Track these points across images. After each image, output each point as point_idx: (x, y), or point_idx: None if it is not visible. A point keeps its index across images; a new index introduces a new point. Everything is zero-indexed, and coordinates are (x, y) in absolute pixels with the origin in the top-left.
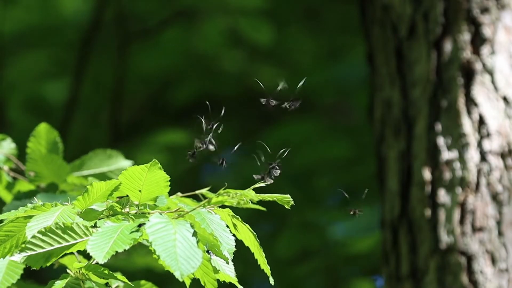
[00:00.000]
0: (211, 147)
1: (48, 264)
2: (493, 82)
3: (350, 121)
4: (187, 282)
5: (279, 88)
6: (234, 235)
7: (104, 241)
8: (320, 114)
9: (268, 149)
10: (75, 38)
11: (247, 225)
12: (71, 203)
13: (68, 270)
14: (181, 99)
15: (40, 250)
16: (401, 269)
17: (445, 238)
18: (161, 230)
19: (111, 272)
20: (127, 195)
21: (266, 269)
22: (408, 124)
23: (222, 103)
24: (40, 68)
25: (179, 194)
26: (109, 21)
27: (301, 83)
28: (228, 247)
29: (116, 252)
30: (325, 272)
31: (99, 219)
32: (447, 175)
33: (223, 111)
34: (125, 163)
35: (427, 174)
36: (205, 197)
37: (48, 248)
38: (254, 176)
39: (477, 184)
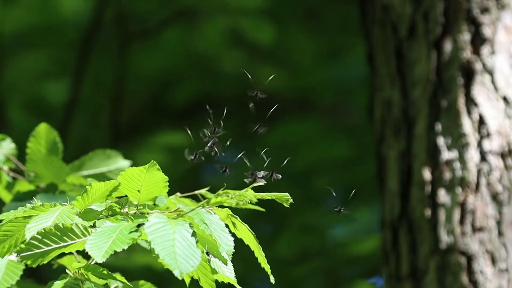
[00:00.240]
0: (215, 151)
1: (46, 261)
2: (493, 82)
3: (350, 121)
4: (187, 281)
5: (268, 81)
6: (233, 234)
7: (103, 241)
8: (320, 114)
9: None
10: (75, 38)
11: (246, 225)
12: (70, 203)
13: (67, 270)
14: (181, 99)
15: (38, 250)
16: (401, 269)
17: (445, 238)
18: (160, 230)
19: (110, 272)
20: (126, 195)
21: (266, 267)
22: (408, 124)
23: (222, 103)
24: (40, 68)
25: (178, 194)
26: (109, 21)
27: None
28: (227, 248)
29: (115, 251)
30: (325, 273)
31: (98, 219)
32: (447, 175)
33: (224, 114)
34: (124, 163)
35: (427, 174)
36: (204, 198)
37: (47, 248)
38: (245, 180)
39: (477, 184)
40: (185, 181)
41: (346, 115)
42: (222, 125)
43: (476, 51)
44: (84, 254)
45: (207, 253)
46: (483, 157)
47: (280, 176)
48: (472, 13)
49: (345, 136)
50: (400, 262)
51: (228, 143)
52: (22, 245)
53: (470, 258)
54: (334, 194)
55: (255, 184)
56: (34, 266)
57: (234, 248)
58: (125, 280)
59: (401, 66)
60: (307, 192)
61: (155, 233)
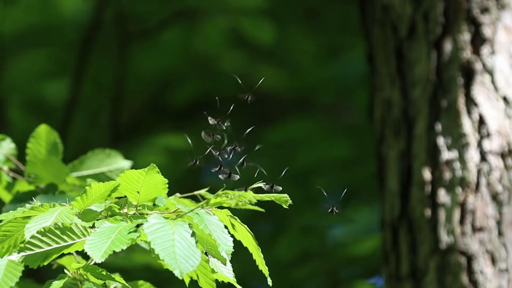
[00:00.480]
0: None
1: (46, 263)
2: (493, 82)
3: (350, 121)
4: (187, 280)
5: (259, 84)
6: (232, 235)
7: (102, 241)
8: (320, 114)
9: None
10: (75, 38)
11: (245, 226)
12: (69, 204)
13: (65, 271)
14: (181, 100)
15: (38, 250)
16: (401, 269)
17: (445, 238)
18: (160, 230)
19: (108, 273)
20: (126, 196)
21: (264, 269)
22: (408, 124)
23: (222, 103)
24: (40, 68)
25: (178, 194)
26: (109, 21)
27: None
28: (226, 247)
29: (114, 251)
30: (325, 274)
31: (97, 220)
32: (447, 175)
33: (229, 110)
34: (124, 163)
35: (427, 174)
36: (204, 198)
37: (46, 248)
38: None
39: (477, 184)
40: (185, 181)
41: (346, 115)
42: (225, 126)
43: (476, 51)
44: (84, 255)
45: (205, 253)
46: (483, 157)
47: (280, 188)
48: (472, 13)
49: (345, 136)
50: (400, 262)
51: (228, 143)
52: (22, 245)
53: (470, 258)
54: (325, 195)
55: (254, 186)
56: (35, 267)
57: (233, 249)
58: (123, 281)
59: (401, 66)
60: (307, 192)
61: (155, 233)
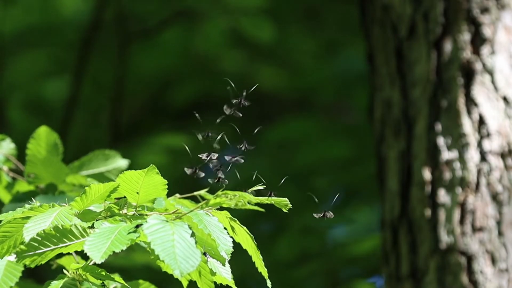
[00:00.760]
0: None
1: (44, 262)
2: (493, 82)
3: (350, 121)
4: (185, 284)
5: (240, 99)
6: (231, 237)
7: (102, 242)
8: (320, 113)
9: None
10: (75, 38)
11: (245, 228)
12: (69, 204)
13: (65, 271)
14: (181, 100)
15: (37, 251)
16: (401, 269)
17: (445, 238)
18: (160, 231)
19: (108, 273)
20: (125, 197)
21: (264, 271)
22: (408, 124)
23: (222, 103)
24: (40, 68)
25: (178, 195)
26: (109, 21)
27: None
28: (225, 247)
29: (114, 252)
30: (325, 274)
31: (96, 220)
32: (447, 175)
33: (218, 119)
34: (121, 162)
35: (427, 174)
36: (203, 199)
37: (45, 249)
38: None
39: (477, 184)
40: (185, 181)
41: (346, 115)
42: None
43: (476, 51)
44: (83, 255)
45: (204, 254)
46: (483, 157)
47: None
48: (472, 13)
49: (345, 136)
50: (400, 262)
51: (227, 143)
52: (22, 246)
53: (470, 258)
54: (316, 200)
55: (254, 188)
56: (33, 266)
57: (232, 250)
58: (123, 281)
59: (401, 66)
60: (307, 192)
61: (155, 234)
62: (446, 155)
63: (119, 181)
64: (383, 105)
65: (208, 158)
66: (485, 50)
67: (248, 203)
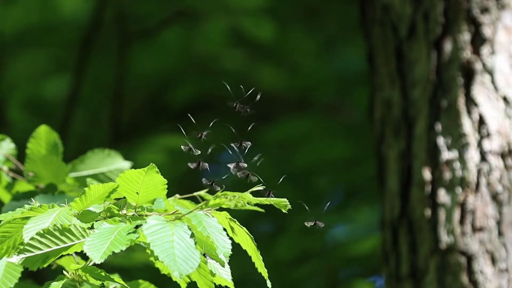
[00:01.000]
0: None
1: (45, 265)
2: (493, 82)
3: (350, 121)
4: (183, 285)
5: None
6: (231, 238)
7: (101, 242)
8: (320, 113)
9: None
10: (75, 38)
11: (244, 228)
12: (68, 204)
13: (64, 272)
14: (181, 99)
15: (37, 252)
16: (401, 269)
17: (445, 238)
18: (159, 232)
19: (107, 274)
20: (125, 197)
21: (263, 272)
22: (408, 124)
23: (222, 103)
24: (40, 68)
25: (178, 195)
26: (109, 21)
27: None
28: (224, 250)
29: (113, 252)
30: (325, 273)
31: (96, 221)
32: (447, 175)
33: (211, 123)
34: (123, 163)
35: (427, 174)
36: (203, 199)
37: (46, 249)
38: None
39: (477, 184)
40: (185, 181)
41: (346, 114)
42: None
43: (476, 51)
44: (83, 255)
45: (204, 255)
46: (483, 157)
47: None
48: (472, 13)
49: (345, 135)
50: (400, 262)
51: (227, 143)
52: (21, 246)
53: (470, 258)
54: (307, 208)
55: (254, 188)
56: (34, 269)
57: (232, 250)
58: (122, 282)
59: (401, 66)
60: (307, 192)
61: (154, 234)
62: (446, 155)
63: (118, 181)
64: (383, 105)
65: (198, 165)
66: (485, 50)
67: (248, 203)
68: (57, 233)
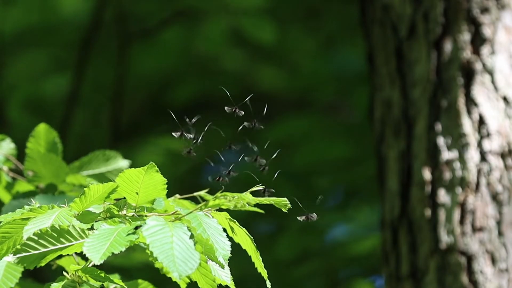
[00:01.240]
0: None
1: (43, 264)
2: (493, 82)
3: (350, 121)
4: (183, 286)
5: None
6: (231, 238)
7: (101, 243)
8: (320, 112)
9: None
10: (75, 38)
11: (244, 229)
12: (68, 205)
13: (64, 273)
14: (181, 100)
15: (35, 252)
16: (401, 269)
17: (445, 238)
18: (158, 233)
19: (107, 275)
20: (125, 198)
21: (263, 272)
22: (408, 124)
23: (221, 103)
24: (40, 68)
25: (177, 196)
26: (109, 21)
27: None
28: (223, 252)
29: (113, 253)
30: (325, 273)
31: (96, 221)
32: (447, 175)
33: (207, 127)
34: (123, 163)
35: (427, 174)
36: (203, 199)
37: (43, 250)
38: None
39: (477, 184)
40: (185, 181)
41: (346, 114)
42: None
43: (476, 51)
44: (83, 256)
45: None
46: (483, 157)
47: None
48: (472, 13)
49: (345, 135)
50: (400, 262)
51: (227, 143)
52: (18, 246)
53: (470, 258)
54: (301, 206)
55: (254, 188)
56: (31, 268)
57: (231, 248)
58: (122, 283)
59: (401, 66)
60: (307, 191)
61: (153, 235)
62: (446, 155)
63: (118, 181)
64: (383, 105)
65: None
66: (485, 50)
67: (248, 204)
68: (55, 234)
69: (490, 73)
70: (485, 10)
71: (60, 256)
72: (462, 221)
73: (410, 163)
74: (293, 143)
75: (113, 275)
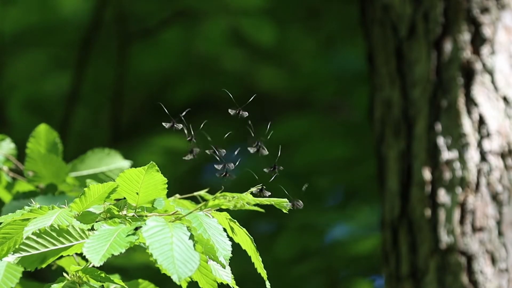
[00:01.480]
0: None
1: (44, 266)
2: (493, 82)
3: (349, 120)
4: (184, 285)
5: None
6: (231, 238)
7: (101, 244)
8: (320, 112)
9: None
10: (75, 38)
11: (244, 229)
12: (68, 205)
13: (64, 274)
14: (181, 99)
15: (34, 252)
16: (401, 269)
17: (445, 238)
18: (158, 234)
19: (107, 275)
20: (125, 198)
21: (263, 272)
22: (408, 124)
23: (222, 102)
24: (40, 68)
25: (178, 195)
26: (109, 21)
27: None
28: (224, 252)
29: (112, 255)
30: (325, 272)
31: (96, 222)
32: (447, 175)
33: (201, 127)
34: (124, 163)
35: (427, 174)
36: (203, 199)
37: (43, 250)
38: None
39: (477, 184)
40: (185, 181)
41: (346, 114)
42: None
43: (476, 51)
44: (84, 256)
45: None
46: (483, 157)
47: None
48: (472, 13)
49: (345, 135)
50: (400, 262)
51: (228, 143)
52: (17, 246)
53: (470, 258)
54: (299, 204)
55: (254, 188)
56: (32, 269)
57: (232, 248)
58: (122, 283)
59: (401, 66)
60: (307, 192)
61: (153, 237)
62: (446, 155)
63: (118, 181)
64: (383, 105)
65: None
66: (485, 50)
67: (248, 204)
68: (54, 234)
69: (490, 73)
70: (485, 10)
71: (61, 257)
72: (462, 221)
73: (410, 163)
74: (293, 143)
75: (113, 275)
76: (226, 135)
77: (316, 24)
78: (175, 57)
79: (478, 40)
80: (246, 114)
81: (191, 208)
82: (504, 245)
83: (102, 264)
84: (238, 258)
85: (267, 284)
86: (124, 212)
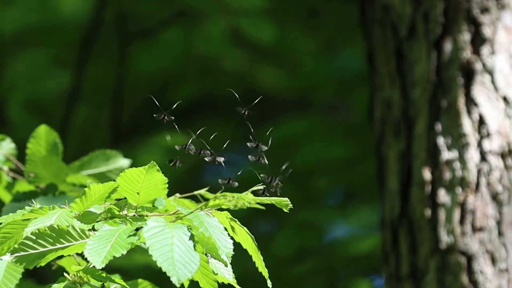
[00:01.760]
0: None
1: (43, 264)
2: (493, 82)
3: (349, 120)
4: (186, 284)
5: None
6: (232, 237)
7: (102, 246)
8: (320, 113)
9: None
10: (75, 38)
11: (245, 228)
12: (69, 206)
13: (65, 274)
14: (182, 99)
15: (34, 251)
16: (401, 269)
17: (445, 238)
18: (158, 234)
19: (108, 275)
20: (125, 197)
21: (264, 272)
22: (408, 124)
23: (222, 102)
24: (40, 68)
25: (178, 195)
26: (109, 21)
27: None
28: (226, 250)
29: (114, 256)
30: (324, 272)
31: (97, 222)
32: (447, 175)
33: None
34: (124, 162)
35: (427, 174)
36: (204, 198)
37: (42, 249)
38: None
39: (477, 184)
40: (185, 180)
41: (346, 114)
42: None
43: (476, 51)
44: (84, 256)
45: (205, 254)
46: (483, 157)
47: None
48: (472, 13)
49: (345, 135)
50: (400, 262)
51: (228, 143)
52: (16, 245)
53: (470, 258)
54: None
55: (254, 188)
56: (31, 268)
57: (233, 252)
58: (123, 283)
59: (401, 66)
60: (307, 191)
61: (153, 237)
62: (446, 155)
63: (119, 180)
64: (383, 105)
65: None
66: (485, 50)
67: (248, 203)
68: (54, 234)
69: (490, 73)
70: (485, 10)
71: (61, 257)
72: (462, 221)
73: (410, 163)
74: (293, 143)
75: (114, 275)
76: (225, 144)
77: (316, 24)
78: (175, 57)
79: (478, 40)
80: (247, 113)
81: (191, 207)
82: (504, 245)
83: (104, 266)
84: (238, 258)
85: (269, 283)
86: (125, 212)
